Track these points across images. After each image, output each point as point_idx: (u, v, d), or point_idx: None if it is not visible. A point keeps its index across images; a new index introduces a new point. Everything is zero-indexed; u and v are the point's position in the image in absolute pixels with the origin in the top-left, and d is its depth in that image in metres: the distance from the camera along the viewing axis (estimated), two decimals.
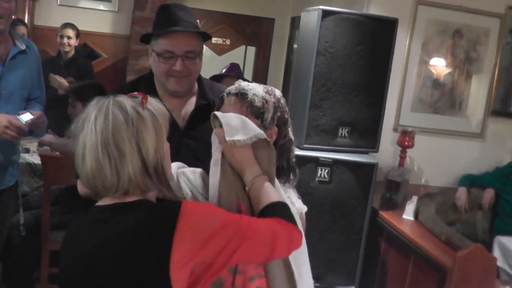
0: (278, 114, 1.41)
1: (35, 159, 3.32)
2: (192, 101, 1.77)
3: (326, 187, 2.86)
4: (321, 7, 2.80)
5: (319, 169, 2.84)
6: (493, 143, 3.94)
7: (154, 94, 1.61)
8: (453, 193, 3.61)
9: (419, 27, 3.66)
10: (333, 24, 2.81)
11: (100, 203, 1.15)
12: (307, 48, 2.89)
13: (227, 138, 1.25)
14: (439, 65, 3.77)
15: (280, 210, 1.23)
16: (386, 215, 3.04)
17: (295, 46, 5.22)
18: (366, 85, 2.91)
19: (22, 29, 4.16)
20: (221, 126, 1.28)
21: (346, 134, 2.92)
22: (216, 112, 1.32)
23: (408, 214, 3.03)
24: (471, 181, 3.66)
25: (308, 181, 2.82)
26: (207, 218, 1.09)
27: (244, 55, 5.87)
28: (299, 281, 1.30)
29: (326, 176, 2.85)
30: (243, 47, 5.86)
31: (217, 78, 3.31)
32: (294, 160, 1.49)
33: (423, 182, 3.87)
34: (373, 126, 2.98)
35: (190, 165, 1.43)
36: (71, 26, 4.36)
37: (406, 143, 3.46)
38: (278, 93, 1.44)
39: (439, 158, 3.84)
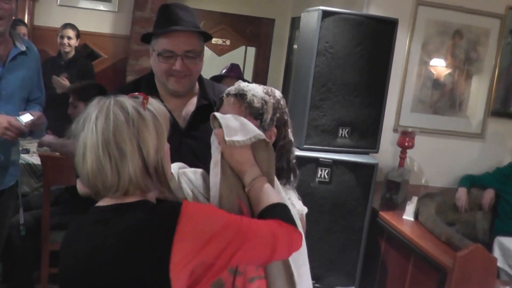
0: (278, 115, 1.41)
1: (35, 159, 3.32)
2: (193, 101, 1.77)
3: (326, 187, 2.86)
4: (321, 7, 2.80)
5: (319, 170, 2.84)
6: (493, 143, 3.94)
7: (155, 94, 1.62)
8: (453, 194, 3.61)
9: (419, 27, 3.66)
10: (333, 25, 2.81)
11: (100, 203, 1.15)
12: (307, 48, 2.89)
13: (227, 138, 1.25)
14: (439, 66, 3.77)
15: (280, 211, 1.23)
16: (386, 216, 3.04)
17: (295, 46, 5.22)
18: (366, 86, 2.91)
19: (22, 29, 4.16)
20: (220, 126, 1.28)
21: (346, 135, 2.92)
22: (215, 113, 1.32)
23: (408, 214, 3.03)
24: (471, 182, 3.66)
25: (308, 181, 2.82)
26: (208, 219, 1.09)
27: (244, 56, 5.87)
28: (298, 282, 1.30)
29: (326, 176, 2.85)
30: (243, 47, 5.86)
31: (217, 78, 3.31)
32: (294, 161, 1.48)
33: (423, 183, 3.87)
34: (373, 126, 2.98)
35: (191, 165, 1.42)
36: (71, 26, 4.36)
37: (406, 144, 3.46)
38: (278, 94, 1.43)
39: (439, 158, 3.84)
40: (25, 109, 2.31)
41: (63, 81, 4.03)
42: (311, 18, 2.88)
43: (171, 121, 1.22)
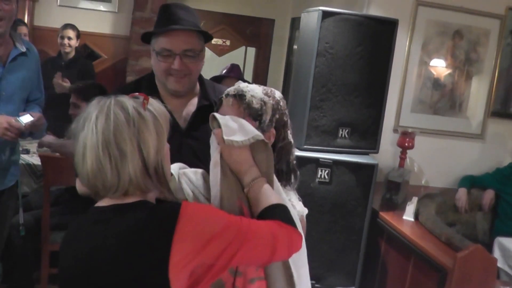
0: (277, 116, 1.40)
1: (35, 160, 3.32)
2: (194, 101, 1.77)
3: (326, 187, 2.86)
4: (321, 8, 2.80)
5: (319, 170, 2.84)
6: (493, 144, 3.95)
7: (156, 94, 1.62)
8: (453, 194, 3.61)
9: (419, 28, 3.67)
10: (333, 25, 2.81)
11: (100, 204, 1.15)
12: (307, 49, 2.89)
13: (225, 138, 1.25)
14: (439, 66, 3.77)
15: (280, 212, 1.22)
16: (386, 216, 3.04)
17: (295, 47, 5.22)
18: (366, 86, 2.91)
19: (23, 29, 4.17)
20: (219, 127, 1.28)
21: (346, 135, 2.92)
22: (214, 113, 1.32)
23: (408, 214, 3.03)
24: (471, 182, 3.66)
25: (308, 182, 2.82)
26: (208, 220, 1.09)
27: (244, 56, 5.87)
28: (298, 283, 1.30)
29: (326, 177, 2.85)
30: (243, 48, 5.86)
31: (217, 79, 3.30)
32: (295, 162, 1.47)
33: (423, 183, 3.87)
34: (373, 127, 2.98)
35: (191, 165, 1.42)
36: (72, 27, 4.36)
37: (406, 144, 3.46)
38: (278, 95, 1.43)
39: (439, 159, 3.85)
40: (25, 110, 2.32)
41: (64, 83, 4.03)
42: (311, 19, 2.88)
43: (171, 122, 1.22)
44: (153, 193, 1.18)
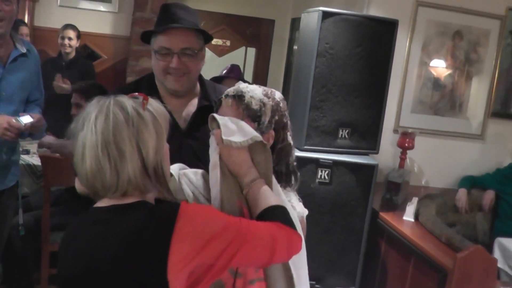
0: (276, 118, 1.38)
1: (35, 160, 3.32)
2: (194, 102, 1.77)
3: (327, 188, 2.85)
4: (321, 8, 2.80)
5: (319, 170, 2.84)
6: (494, 144, 3.95)
7: (156, 94, 1.61)
8: (453, 195, 3.61)
9: (419, 28, 3.67)
10: (333, 25, 2.81)
11: (99, 204, 1.15)
12: (308, 49, 2.89)
13: (224, 137, 1.25)
14: (439, 67, 3.77)
15: (279, 214, 1.22)
16: (387, 216, 3.04)
17: (295, 47, 5.22)
18: (366, 86, 2.91)
19: (25, 30, 4.17)
20: (219, 127, 1.27)
21: (346, 135, 2.92)
22: (213, 114, 1.32)
23: (409, 215, 3.02)
24: (472, 183, 3.66)
25: (308, 182, 2.82)
26: (208, 220, 1.09)
27: (244, 56, 5.87)
28: (297, 284, 1.29)
29: (326, 177, 2.85)
30: (243, 48, 5.86)
31: (217, 79, 3.30)
32: (295, 164, 1.46)
33: (424, 184, 3.87)
34: (373, 127, 2.98)
35: (191, 166, 1.42)
36: (72, 27, 4.37)
37: (406, 145, 3.46)
38: (278, 96, 1.41)
39: (440, 159, 3.85)
40: (25, 111, 2.33)
41: (64, 84, 4.02)
42: (311, 19, 2.88)
43: (170, 122, 1.21)
44: (152, 194, 1.18)
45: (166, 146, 1.18)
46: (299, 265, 1.33)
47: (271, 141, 1.39)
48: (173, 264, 1.03)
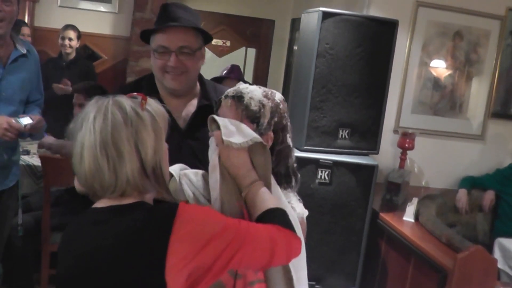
0: (276, 119, 1.37)
1: (35, 160, 3.32)
2: (194, 102, 1.77)
3: (327, 188, 2.85)
4: (321, 8, 2.80)
5: (320, 171, 2.83)
6: (494, 145, 3.95)
7: (156, 94, 1.62)
8: (453, 195, 3.61)
9: (420, 28, 3.67)
10: (334, 26, 2.81)
11: (98, 205, 1.14)
12: (308, 49, 2.89)
13: (225, 138, 1.25)
14: (440, 67, 3.77)
15: (279, 216, 1.21)
16: (387, 217, 3.04)
17: (295, 47, 5.22)
18: (366, 87, 2.91)
19: (26, 30, 4.18)
20: (218, 128, 1.27)
21: (347, 136, 2.92)
22: (213, 115, 1.32)
23: (409, 215, 3.02)
24: (472, 183, 3.66)
25: (308, 182, 2.82)
26: (207, 222, 1.09)
27: (244, 57, 5.87)
28: (297, 286, 1.29)
29: (326, 177, 2.84)
30: (243, 48, 5.86)
31: (218, 80, 3.31)
32: (295, 165, 1.46)
33: (424, 184, 3.87)
34: (374, 127, 2.97)
35: (191, 166, 1.42)
36: (72, 27, 4.37)
37: (406, 145, 3.46)
38: (278, 97, 1.40)
39: (440, 160, 3.85)
40: (24, 111, 2.34)
41: (65, 87, 4.02)
42: (311, 19, 2.88)
43: (169, 122, 1.21)
44: (151, 194, 1.17)
45: (165, 146, 1.18)
46: (299, 267, 1.32)
47: (270, 143, 1.38)
48: (172, 265, 1.03)
